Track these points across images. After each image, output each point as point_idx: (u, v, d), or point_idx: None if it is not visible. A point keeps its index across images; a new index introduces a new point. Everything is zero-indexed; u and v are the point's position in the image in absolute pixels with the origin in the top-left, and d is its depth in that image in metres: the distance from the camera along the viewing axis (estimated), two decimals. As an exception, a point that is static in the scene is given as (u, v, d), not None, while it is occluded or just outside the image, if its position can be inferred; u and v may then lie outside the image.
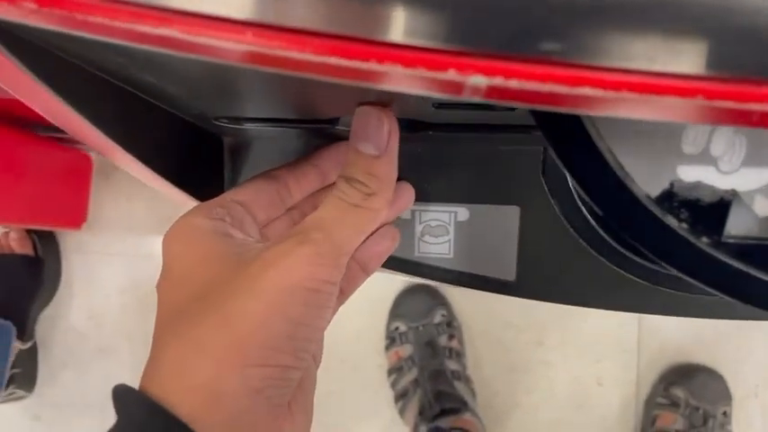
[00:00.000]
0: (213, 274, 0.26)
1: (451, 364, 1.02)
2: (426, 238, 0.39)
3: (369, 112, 0.28)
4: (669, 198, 0.19)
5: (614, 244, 0.37)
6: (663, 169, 0.18)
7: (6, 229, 1.15)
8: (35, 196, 0.89)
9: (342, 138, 0.34)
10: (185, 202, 0.37)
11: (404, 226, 0.38)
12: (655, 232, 0.19)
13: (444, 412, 0.97)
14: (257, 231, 0.30)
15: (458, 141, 0.36)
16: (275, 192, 0.31)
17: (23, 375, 1.14)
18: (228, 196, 0.30)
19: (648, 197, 0.18)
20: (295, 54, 0.15)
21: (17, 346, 1.09)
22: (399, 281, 1.09)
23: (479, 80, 0.15)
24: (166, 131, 0.34)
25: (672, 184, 0.18)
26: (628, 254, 0.37)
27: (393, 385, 1.06)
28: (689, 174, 0.18)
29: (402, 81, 0.16)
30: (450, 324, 1.06)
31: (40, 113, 0.29)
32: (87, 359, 1.19)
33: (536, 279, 0.39)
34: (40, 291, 1.15)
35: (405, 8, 0.14)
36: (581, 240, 0.37)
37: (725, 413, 1.01)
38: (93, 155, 1.12)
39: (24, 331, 1.12)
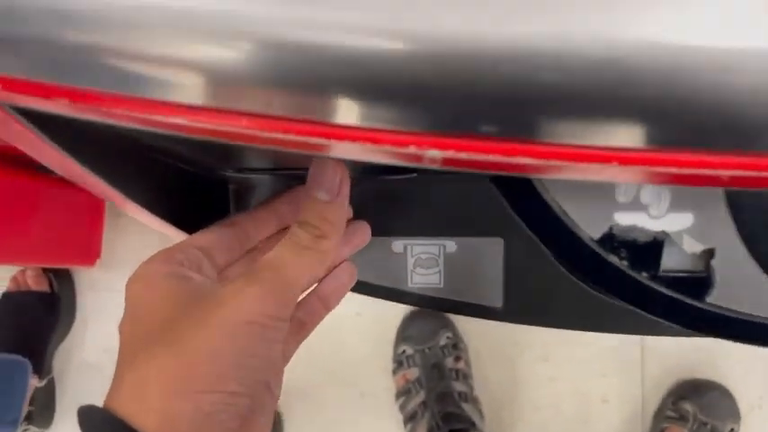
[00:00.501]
0: (169, 313, 0.29)
1: (458, 386, 1.04)
2: (418, 269, 0.42)
3: (324, 162, 0.31)
4: (610, 239, 0.22)
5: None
6: (602, 215, 0.21)
7: (23, 267, 1.19)
8: (49, 236, 0.93)
9: None
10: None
11: (397, 259, 0.42)
12: (600, 269, 0.22)
13: (453, 433, 0.99)
14: (215, 273, 0.33)
15: (442, 180, 0.39)
16: (234, 237, 0.34)
17: (41, 412, 1.17)
18: (188, 242, 0.33)
19: (592, 239, 0.21)
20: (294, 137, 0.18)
21: (34, 383, 1.11)
22: (403, 306, 1.12)
23: (435, 153, 0.18)
24: (175, 183, 0.37)
25: (611, 228, 0.21)
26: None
27: (402, 408, 1.08)
28: (624, 219, 0.21)
29: (374, 154, 0.19)
30: (456, 346, 1.08)
31: (50, 168, 0.32)
32: (102, 392, 1.22)
33: (522, 305, 0.41)
34: (56, 327, 1.19)
35: (379, 104, 0.17)
36: (562, 268, 0.40)
37: (732, 430, 1.02)
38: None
39: (42, 368, 1.15)
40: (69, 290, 1.21)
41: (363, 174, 0.38)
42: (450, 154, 0.18)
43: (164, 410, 0.26)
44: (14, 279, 1.18)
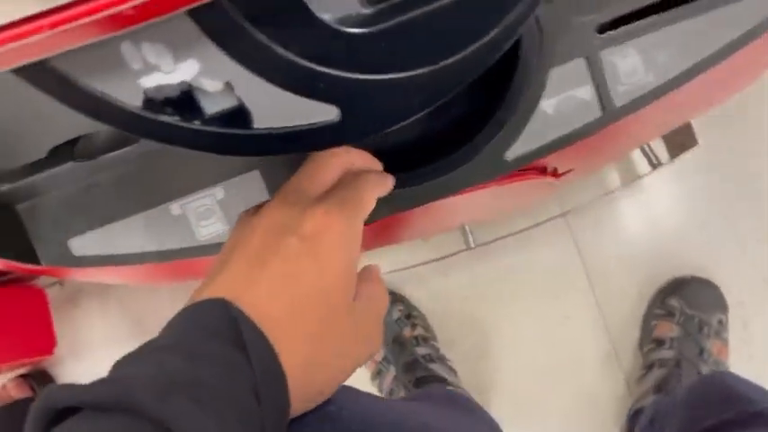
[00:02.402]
0: None
1: (421, 350, 1.07)
2: (202, 223, 0.46)
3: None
4: (152, 103, 0.26)
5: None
6: (132, 85, 0.26)
7: (2, 381, 1.24)
8: (2, 336, 0.98)
9: None
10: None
11: (179, 221, 0.46)
12: (159, 129, 0.26)
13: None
14: None
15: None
16: None
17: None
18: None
19: (138, 107, 0.26)
20: None
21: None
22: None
23: None
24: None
25: (145, 93, 0.26)
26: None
27: (379, 389, 1.11)
28: (148, 82, 0.26)
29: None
30: (410, 315, 1.12)
31: None
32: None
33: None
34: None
35: None
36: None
37: (720, 321, 1.03)
38: (47, 289, 1.21)
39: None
40: (52, 388, 1.26)
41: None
42: None
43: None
44: (-4, 398, 1.23)
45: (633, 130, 0.53)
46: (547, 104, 0.43)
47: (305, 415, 0.36)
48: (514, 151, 0.44)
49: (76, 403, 0.27)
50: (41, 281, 1.17)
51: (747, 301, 1.07)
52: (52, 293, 1.27)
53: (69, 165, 0.42)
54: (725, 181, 1.08)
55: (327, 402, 0.38)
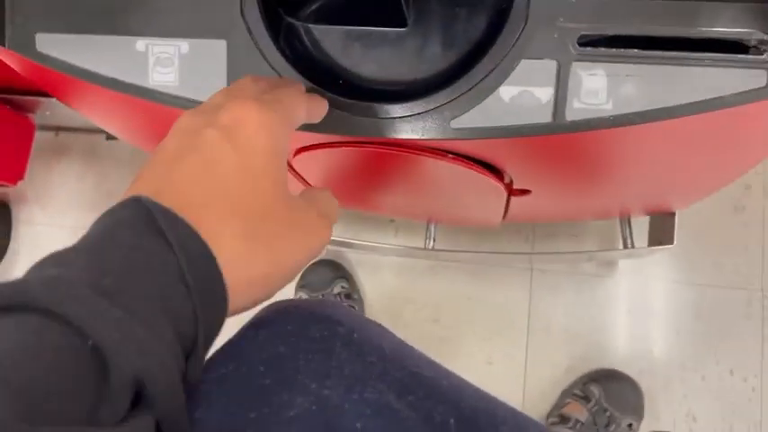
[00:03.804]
0: None
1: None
2: (158, 68, 0.48)
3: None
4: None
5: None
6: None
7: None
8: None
9: None
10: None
11: (139, 59, 0.48)
12: None
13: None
14: None
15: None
16: None
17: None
18: None
19: None
20: None
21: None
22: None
23: None
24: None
25: None
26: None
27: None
28: None
29: None
30: (350, 296, 1.12)
31: None
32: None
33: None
34: (-13, 253, 1.26)
35: None
36: (274, 69, 0.46)
37: (630, 426, 1.03)
38: (40, 132, 1.24)
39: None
40: (5, 221, 1.29)
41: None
42: None
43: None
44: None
45: (586, 164, 0.54)
46: (505, 91, 0.44)
47: (308, 328, 0.36)
48: (460, 122, 0.45)
49: None
50: (38, 118, 1.20)
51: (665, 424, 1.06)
52: (43, 137, 1.30)
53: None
54: (692, 296, 1.07)
55: (337, 322, 0.37)
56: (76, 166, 1.32)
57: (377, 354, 0.38)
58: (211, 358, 0.36)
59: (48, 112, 1.08)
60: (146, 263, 0.27)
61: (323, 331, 0.38)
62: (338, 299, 1.11)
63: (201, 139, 0.33)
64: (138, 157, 1.21)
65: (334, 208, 0.39)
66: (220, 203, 0.31)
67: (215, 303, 0.29)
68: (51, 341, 0.23)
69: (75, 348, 0.24)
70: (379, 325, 0.43)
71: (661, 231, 0.89)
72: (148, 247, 0.28)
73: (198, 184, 0.31)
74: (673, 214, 0.85)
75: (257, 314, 0.41)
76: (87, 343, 0.24)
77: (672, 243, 0.86)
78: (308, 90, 0.44)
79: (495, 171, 0.56)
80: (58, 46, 0.49)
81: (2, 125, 1.07)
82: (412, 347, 0.43)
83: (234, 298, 0.30)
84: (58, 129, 1.31)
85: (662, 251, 0.87)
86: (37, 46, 0.49)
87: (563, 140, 0.46)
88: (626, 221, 0.93)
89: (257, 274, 0.31)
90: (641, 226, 0.97)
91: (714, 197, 1.03)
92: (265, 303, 0.37)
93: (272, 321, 0.39)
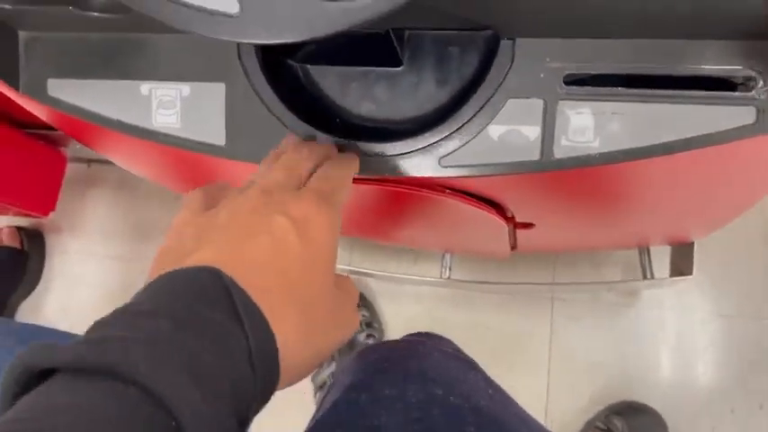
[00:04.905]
0: None
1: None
2: (161, 111, 0.50)
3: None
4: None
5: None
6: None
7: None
8: (10, 177, 1.05)
9: None
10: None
11: (143, 101, 0.50)
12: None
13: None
14: None
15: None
16: None
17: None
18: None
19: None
20: None
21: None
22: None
23: None
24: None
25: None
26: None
27: (312, 380, 1.12)
28: None
29: None
30: (371, 324, 1.12)
31: None
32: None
33: (242, 142, 0.48)
34: (20, 283, 1.30)
35: None
36: (271, 112, 0.48)
37: None
38: (73, 163, 1.29)
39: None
40: (39, 250, 1.33)
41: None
42: None
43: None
44: (-11, 234, 1.31)
45: (579, 199, 0.53)
46: (494, 129, 0.44)
47: (406, 392, 0.39)
48: (450, 160, 0.45)
49: (56, 364, 0.25)
50: (70, 150, 1.24)
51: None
52: (77, 168, 1.35)
53: (67, 9, 0.46)
54: (720, 327, 1.04)
55: (432, 381, 0.40)
56: (108, 196, 1.36)
57: (473, 415, 0.42)
58: (320, 421, 0.41)
59: (78, 146, 1.12)
60: (224, 344, 0.28)
61: (418, 394, 0.42)
62: (360, 328, 1.11)
63: (275, 225, 0.34)
64: (165, 189, 1.24)
65: (356, 299, 0.41)
66: (283, 291, 0.32)
67: (268, 389, 0.30)
68: (145, 417, 0.24)
69: (164, 427, 0.24)
70: (469, 368, 0.47)
71: (682, 261, 0.87)
72: (226, 328, 0.29)
73: (268, 270, 0.33)
74: (691, 244, 0.83)
75: (356, 373, 0.48)
76: (172, 424, 0.24)
77: (691, 273, 0.84)
78: (306, 136, 0.46)
79: (496, 206, 0.57)
80: (67, 90, 0.51)
81: (35, 159, 1.12)
82: (505, 395, 0.46)
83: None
84: (89, 161, 1.35)
85: (686, 282, 0.85)
86: (48, 90, 0.51)
87: (553, 177, 0.46)
88: (645, 251, 0.91)
89: (302, 360, 0.33)
90: (664, 256, 0.95)
91: (742, 226, 1.01)
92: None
93: (371, 385, 0.44)
